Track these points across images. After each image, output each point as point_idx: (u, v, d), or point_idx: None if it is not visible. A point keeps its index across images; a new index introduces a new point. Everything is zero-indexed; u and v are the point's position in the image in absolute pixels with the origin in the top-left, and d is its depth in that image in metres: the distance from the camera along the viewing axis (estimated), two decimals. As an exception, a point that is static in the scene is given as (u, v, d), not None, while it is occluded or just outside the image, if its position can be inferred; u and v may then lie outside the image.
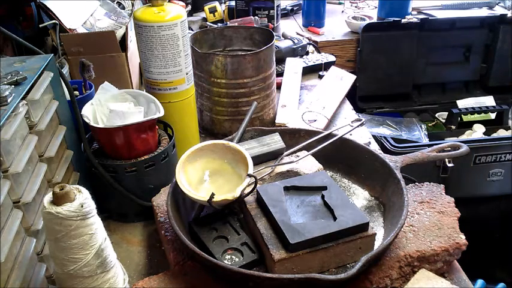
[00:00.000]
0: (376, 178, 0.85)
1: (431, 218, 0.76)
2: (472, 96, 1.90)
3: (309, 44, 1.64)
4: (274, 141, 0.90)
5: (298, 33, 1.78)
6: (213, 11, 1.79)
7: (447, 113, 1.75)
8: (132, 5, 1.43)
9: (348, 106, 1.32)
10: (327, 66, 1.49)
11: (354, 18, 1.87)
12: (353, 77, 1.39)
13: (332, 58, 1.54)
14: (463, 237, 0.71)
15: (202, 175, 0.80)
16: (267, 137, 0.91)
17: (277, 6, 1.73)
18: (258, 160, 0.86)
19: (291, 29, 1.83)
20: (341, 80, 1.37)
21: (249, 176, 0.75)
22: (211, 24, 1.70)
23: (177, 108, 0.95)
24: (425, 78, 1.89)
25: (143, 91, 0.94)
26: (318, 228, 0.66)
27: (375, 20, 1.87)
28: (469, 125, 1.75)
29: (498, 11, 1.92)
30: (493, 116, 1.78)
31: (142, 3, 1.39)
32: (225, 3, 1.82)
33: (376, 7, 1.96)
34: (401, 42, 1.79)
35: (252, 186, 0.74)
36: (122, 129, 0.81)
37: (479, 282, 0.85)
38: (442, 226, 0.74)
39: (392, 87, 1.88)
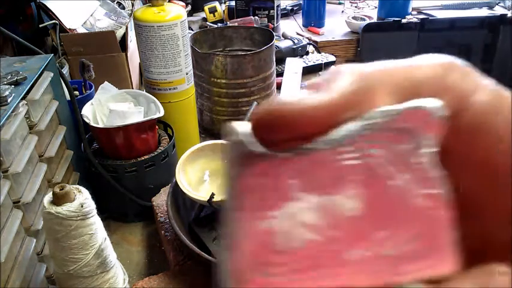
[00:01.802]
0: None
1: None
2: (472, 96, 1.90)
3: (309, 44, 1.64)
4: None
5: (298, 33, 1.78)
6: (213, 11, 1.79)
7: (447, 113, 1.75)
8: (132, 5, 1.43)
9: (348, 106, 1.32)
10: (327, 66, 1.49)
11: (354, 18, 1.86)
12: (353, 77, 1.39)
13: (332, 58, 1.54)
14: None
15: (202, 175, 0.80)
16: (267, 137, 0.91)
17: (277, 6, 1.72)
18: (258, 160, 0.86)
19: (291, 29, 1.83)
20: (341, 80, 1.37)
21: (249, 176, 0.75)
22: (211, 24, 1.70)
23: (177, 108, 0.95)
24: (426, 78, 1.89)
25: (143, 91, 0.94)
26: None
27: (375, 20, 1.87)
28: (469, 125, 1.74)
29: (498, 11, 1.92)
30: (493, 116, 1.78)
31: (142, 3, 1.39)
32: (225, 3, 1.82)
33: (376, 7, 1.96)
34: (401, 42, 1.79)
35: (252, 186, 0.74)
36: (122, 129, 0.81)
37: (479, 282, 0.85)
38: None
39: (392, 87, 1.87)
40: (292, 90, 1.30)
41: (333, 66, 0.16)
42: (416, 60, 0.16)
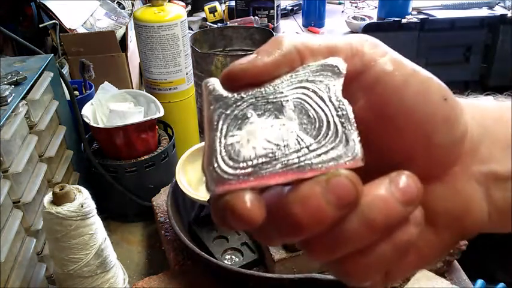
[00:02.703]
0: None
1: (431, 218, 0.75)
2: (472, 96, 1.89)
3: (309, 44, 1.64)
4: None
5: (298, 33, 1.78)
6: (213, 11, 1.79)
7: (447, 113, 1.75)
8: (132, 5, 1.43)
9: (348, 106, 1.32)
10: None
11: (354, 18, 1.87)
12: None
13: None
14: (463, 237, 0.71)
15: (202, 175, 0.80)
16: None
17: (277, 6, 1.72)
18: (258, 160, 0.86)
19: (291, 29, 1.83)
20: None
21: (249, 176, 0.75)
22: (211, 24, 1.70)
23: (177, 108, 0.95)
24: (426, 78, 1.89)
25: (143, 91, 0.94)
26: (318, 228, 0.66)
27: (375, 20, 1.87)
28: (469, 125, 1.74)
29: (498, 11, 1.92)
30: (493, 116, 1.77)
31: (142, 3, 1.39)
32: (225, 3, 1.82)
33: (376, 7, 1.96)
34: (401, 42, 1.79)
35: (252, 186, 0.74)
36: (121, 129, 0.81)
37: (479, 282, 0.85)
38: (442, 226, 0.73)
39: (392, 87, 1.87)
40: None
41: (274, 36, 0.23)
42: (340, 36, 0.22)
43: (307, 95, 0.21)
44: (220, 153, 0.20)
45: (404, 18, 1.78)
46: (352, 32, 1.82)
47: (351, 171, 0.19)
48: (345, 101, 0.20)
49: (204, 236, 0.73)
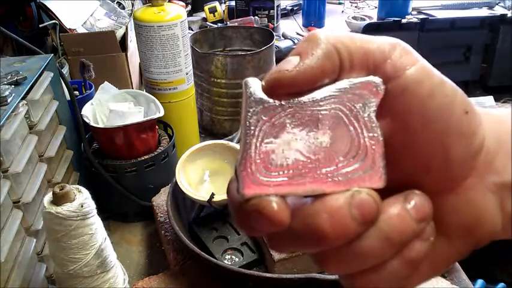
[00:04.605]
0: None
1: (431, 218, 0.75)
2: (472, 96, 1.89)
3: (309, 44, 1.64)
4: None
5: (298, 33, 1.78)
6: (213, 11, 1.79)
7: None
8: (132, 5, 1.43)
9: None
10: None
11: (354, 18, 1.86)
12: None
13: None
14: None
15: (202, 175, 0.80)
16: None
17: (277, 6, 1.72)
18: (258, 160, 0.86)
19: (291, 29, 1.83)
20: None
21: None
22: (211, 24, 1.69)
23: (177, 108, 0.95)
24: (426, 78, 1.88)
25: (143, 91, 0.94)
26: (318, 228, 0.66)
27: (375, 20, 1.87)
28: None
29: (498, 11, 1.92)
30: (493, 116, 1.77)
31: (142, 3, 1.39)
32: (225, 3, 1.82)
33: (376, 7, 1.96)
34: (401, 43, 1.79)
35: (252, 186, 0.74)
36: (122, 129, 0.81)
37: (479, 282, 0.85)
38: (442, 226, 0.73)
39: (392, 87, 1.87)
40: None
41: (309, 33, 0.22)
42: (372, 37, 0.22)
43: (343, 112, 0.21)
44: (255, 160, 0.21)
45: (404, 18, 1.78)
46: (352, 32, 1.82)
47: (372, 190, 0.21)
48: (378, 124, 0.21)
49: (204, 236, 0.73)
